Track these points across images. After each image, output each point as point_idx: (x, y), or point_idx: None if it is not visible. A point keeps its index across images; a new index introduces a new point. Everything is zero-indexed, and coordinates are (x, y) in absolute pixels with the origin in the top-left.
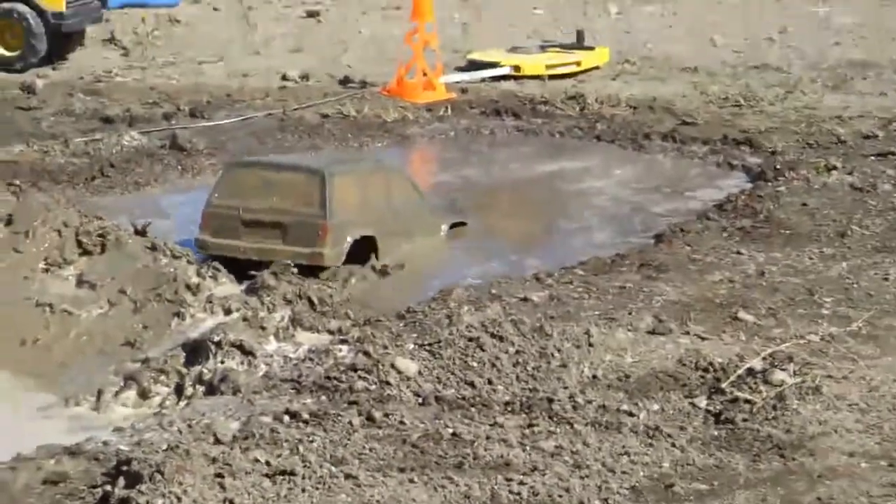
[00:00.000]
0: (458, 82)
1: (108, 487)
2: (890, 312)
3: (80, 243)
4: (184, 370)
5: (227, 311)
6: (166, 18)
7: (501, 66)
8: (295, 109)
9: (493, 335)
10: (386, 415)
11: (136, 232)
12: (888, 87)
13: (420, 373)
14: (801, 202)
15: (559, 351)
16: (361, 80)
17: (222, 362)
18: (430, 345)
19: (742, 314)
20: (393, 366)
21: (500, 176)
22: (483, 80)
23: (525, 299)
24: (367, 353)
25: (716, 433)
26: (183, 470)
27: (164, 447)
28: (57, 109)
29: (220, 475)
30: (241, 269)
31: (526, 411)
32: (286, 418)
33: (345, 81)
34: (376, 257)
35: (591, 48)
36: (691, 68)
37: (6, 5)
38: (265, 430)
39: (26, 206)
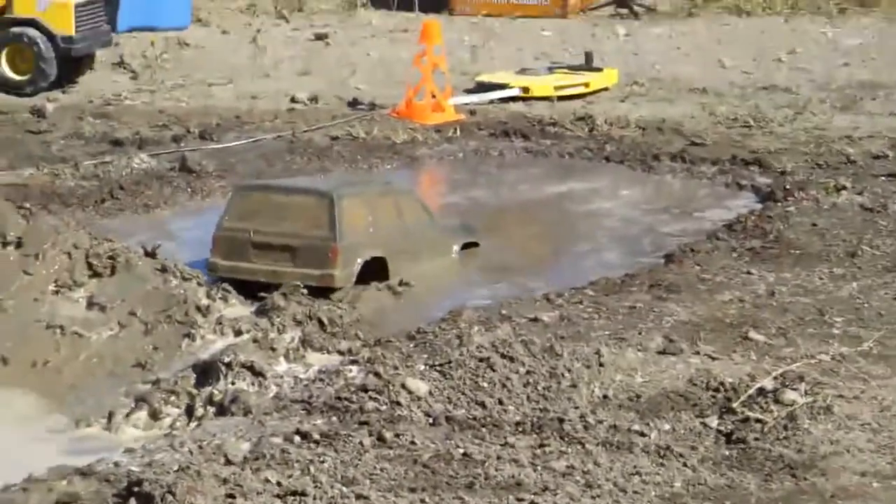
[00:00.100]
0: (466, 104)
1: None
2: None
3: (90, 265)
4: (194, 391)
5: (238, 333)
6: (175, 41)
7: (510, 88)
8: (304, 131)
9: (503, 355)
10: (397, 435)
11: (146, 254)
12: None
13: (431, 393)
14: (810, 222)
15: (569, 371)
16: (370, 102)
17: (233, 383)
18: (440, 365)
19: (752, 334)
20: (403, 386)
21: (510, 197)
22: (492, 101)
23: (535, 319)
24: (377, 374)
25: (727, 453)
26: (194, 491)
27: (176, 468)
28: (67, 133)
29: (231, 496)
30: (251, 290)
31: (537, 431)
32: (297, 439)
33: (354, 103)
34: (387, 278)
35: (600, 70)
36: (700, 89)
37: (16, 30)
38: (276, 450)
39: (37, 229)
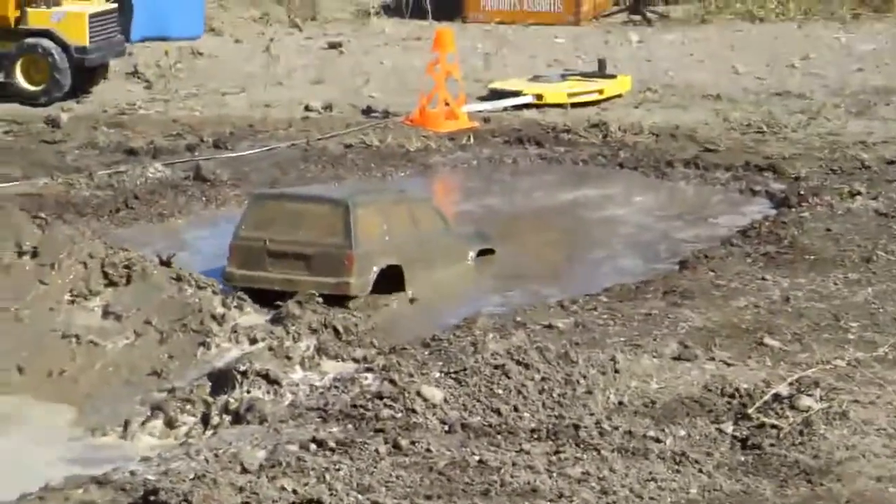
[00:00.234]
0: (480, 111)
1: None
2: None
3: (105, 275)
4: (210, 400)
5: (253, 341)
6: (189, 51)
7: (524, 95)
8: (318, 140)
9: (518, 362)
10: (412, 442)
11: (161, 263)
12: None
13: (446, 400)
14: (825, 228)
15: (585, 378)
16: (384, 110)
17: (248, 391)
18: (455, 372)
19: (768, 340)
20: (419, 394)
21: (524, 204)
22: (505, 109)
23: (550, 326)
24: (392, 382)
25: (743, 459)
26: (210, 499)
27: (192, 476)
28: (81, 142)
29: None
30: (267, 299)
31: (552, 438)
32: (313, 447)
33: (367, 112)
34: (402, 286)
35: (613, 76)
36: (713, 96)
37: (31, 40)
38: (292, 458)
39: (52, 239)
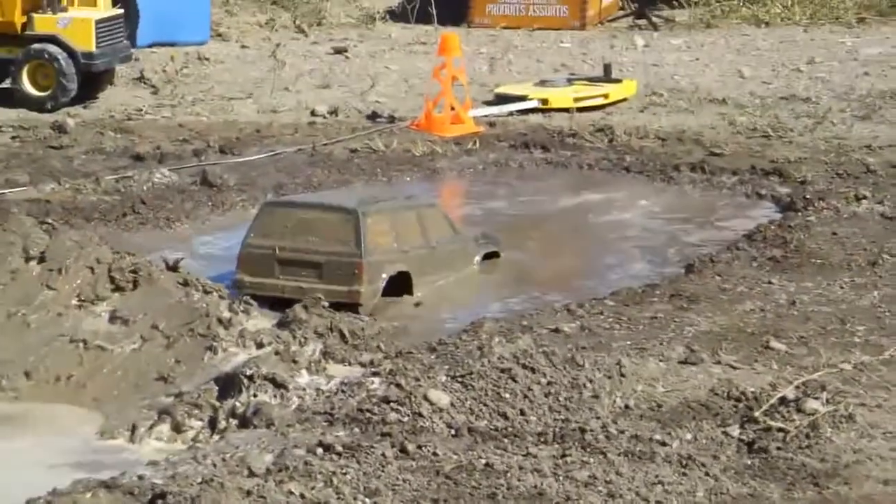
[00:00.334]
0: (486, 116)
1: None
2: None
3: (112, 279)
4: (217, 404)
5: (260, 345)
6: (195, 56)
7: (529, 100)
8: (324, 144)
9: (524, 366)
10: (419, 446)
11: (168, 268)
12: None
13: (452, 404)
14: (831, 232)
15: (591, 381)
16: (390, 114)
17: (255, 396)
18: (462, 376)
19: (774, 343)
20: (425, 397)
21: (530, 208)
22: (511, 113)
23: (556, 330)
24: (399, 386)
25: (749, 462)
26: (217, 503)
27: (199, 480)
28: (88, 148)
29: None
30: (277, 306)
31: (559, 441)
32: (319, 451)
33: (373, 116)
34: (410, 292)
35: (619, 81)
36: (719, 100)
37: (37, 46)
38: (299, 462)
39: (59, 244)
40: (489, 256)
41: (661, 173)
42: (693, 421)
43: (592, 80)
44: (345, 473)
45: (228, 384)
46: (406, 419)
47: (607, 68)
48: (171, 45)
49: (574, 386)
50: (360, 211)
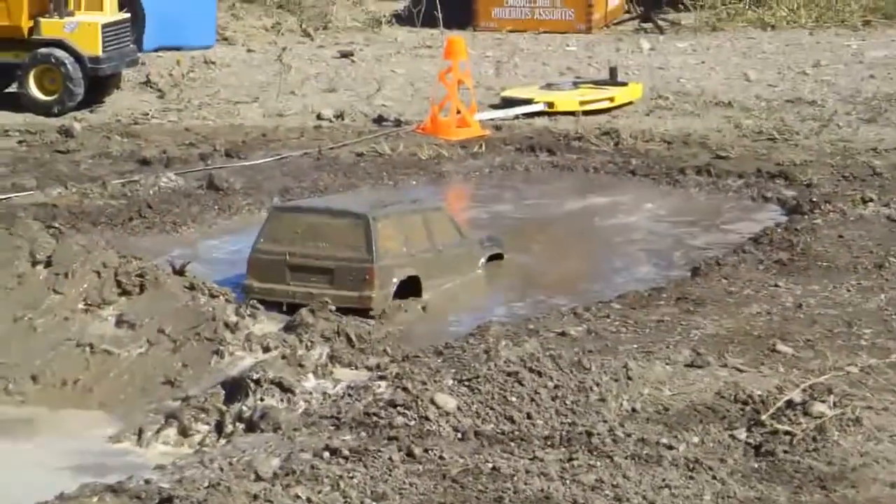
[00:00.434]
0: (491, 119)
1: None
2: None
3: (119, 284)
4: (224, 408)
5: (266, 349)
6: (201, 60)
7: (535, 103)
8: (330, 148)
9: (531, 370)
10: (426, 450)
11: (175, 272)
12: None
13: (459, 408)
14: (837, 235)
15: (598, 385)
16: (396, 118)
17: (262, 400)
18: (468, 380)
19: (780, 346)
20: (432, 401)
21: (536, 212)
22: (517, 116)
23: (563, 334)
24: (405, 389)
25: (756, 465)
26: None
27: (206, 484)
28: (94, 152)
29: None
30: (284, 310)
31: (565, 445)
32: (326, 454)
33: (379, 120)
34: (419, 295)
35: (625, 84)
36: (725, 103)
37: (44, 50)
38: (306, 466)
39: (66, 248)
40: (493, 258)
41: (666, 176)
42: (700, 424)
43: (598, 83)
44: (352, 477)
45: (235, 388)
46: (413, 423)
47: (613, 72)
48: (177, 49)
49: (581, 389)
50: (370, 216)
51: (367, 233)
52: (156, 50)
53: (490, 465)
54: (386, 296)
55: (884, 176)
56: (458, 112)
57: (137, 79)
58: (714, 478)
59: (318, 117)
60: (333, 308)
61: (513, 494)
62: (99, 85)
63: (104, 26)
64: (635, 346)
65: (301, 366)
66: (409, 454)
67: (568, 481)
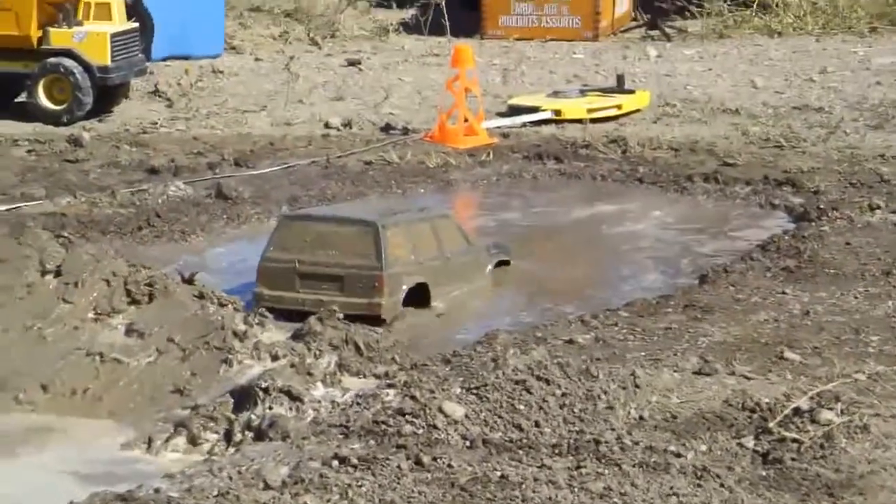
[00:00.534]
0: (499, 127)
1: None
2: None
3: (128, 292)
4: (233, 416)
5: (275, 358)
6: (209, 69)
7: (542, 111)
8: (338, 157)
9: (539, 378)
10: (434, 458)
11: (184, 280)
12: None
13: (467, 416)
14: (844, 241)
15: (605, 393)
16: (404, 126)
17: (270, 408)
18: (476, 388)
19: (788, 354)
20: (440, 409)
21: (544, 219)
22: (524, 124)
23: (570, 342)
24: (414, 398)
25: (764, 473)
26: None
27: (215, 493)
28: (103, 161)
29: None
30: (295, 318)
31: (573, 453)
32: (335, 463)
33: (387, 128)
34: (427, 303)
35: (632, 91)
36: (732, 110)
37: (53, 60)
38: (314, 475)
39: (75, 257)
40: (500, 265)
41: (674, 184)
42: (708, 432)
43: (605, 90)
44: (360, 486)
45: (244, 397)
46: (421, 431)
47: (620, 79)
48: (186, 58)
49: (589, 397)
50: (379, 224)
51: (377, 240)
52: (164, 59)
53: (498, 474)
54: (395, 303)
55: (891, 183)
56: (466, 120)
57: (146, 88)
58: (722, 486)
59: (326, 126)
60: (342, 316)
61: (521, 502)
62: (108, 94)
63: (113, 36)
64: (643, 353)
65: (310, 374)
66: (418, 462)
67: (576, 489)
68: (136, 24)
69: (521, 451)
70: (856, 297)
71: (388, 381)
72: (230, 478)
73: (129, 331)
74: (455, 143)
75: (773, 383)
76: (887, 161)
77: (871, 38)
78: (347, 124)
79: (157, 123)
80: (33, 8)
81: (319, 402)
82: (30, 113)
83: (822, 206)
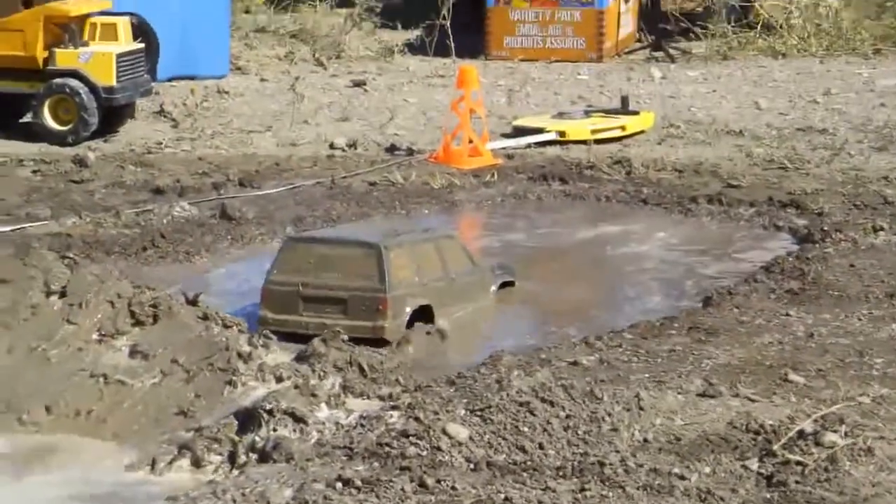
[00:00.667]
0: (504, 148)
1: None
2: None
3: (132, 314)
4: (237, 438)
5: (279, 379)
6: (215, 89)
7: (547, 132)
8: (343, 178)
9: (543, 400)
10: (438, 480)
11: (188, 302)
12: None
13: (471, 438)
14: (848, 264)
15: (610, 415)
16: (408, 147)
17: (275, 430)
18: (480, 410)
19: (792, 376)
20: (444, 431)
21: (548, 240)
22: (529, 145)
23: (575, 363)
24: (417, 419)
25: (768, 496)
26: None
27: None
28: (108, 182)
29: None
30: (299, 340)
31: (577, 475)
32: (339, 485)
33: (392, 149)
34: (427, 319)
35: (636, 113)
36: (736, 132)
37: (59, 81)
38: (318, 497)
39: (80, 278)
40: (504, 286)
41: (678, 205)
42: (712, 454)
43: (610, 112)
44: None
45: (248, 418)
46: (425, 453)
47: (625, 100)
48: (191, 78)
49: (593, 419)
50: (382, 246)
51: (380, 263)
52: (170, 79)
53: (502, 496)
54: (399, 325)
55: (895, 205)
56: (471, 141)
57: (151, 108)
58: None
59: (331, 146)
60: (346, 338)
61: None
62: (113, 114)
63: (118, 56)
64: (647, 375)
65: (314, 396)
66: (422, 484)
67: None
68: (142, 45)
69: (524, 474)
70: (859, 320)
71: (392, 403)
72: (234, 500)
73: (134, 352)
74: (460, 163)
75: (777, 406)
76: (891, 183)
77: (875, 60)
78: (352, 145)
79: (162, 144)
80: (40, 29)
81: (323, 423)
82: (35, 133)
83: (825, 228)
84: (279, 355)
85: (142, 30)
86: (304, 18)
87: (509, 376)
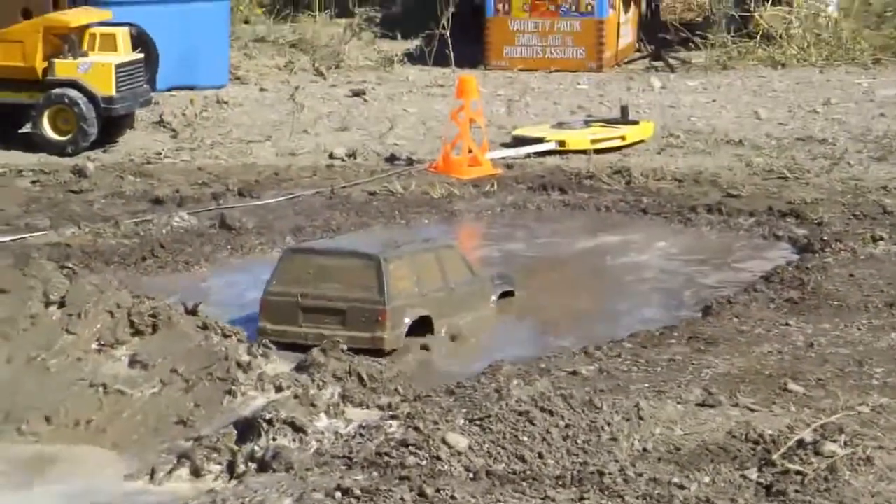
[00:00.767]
0: (503, 158)
1: None
2: None
3: (132, 324)
4: (236, 448)
5: (278, 389)
6: (214, 99)
7: (547, 142)
8: (343, 187)
9: (542, 409)
10: (437, 490)
11: (187, 311)
12: None
13: (471, 447)
14: (848, 273)
15: (609, 424)
16: (408, 157)
17: (274, 439)
18: (480, 419)
19: (791, 385)
20: (443, 441)
21: (548, 250)
22: (528, 155)
23: (574, 373)
24: (417, 429)
25: None
26: None
27: None
28: (108, 192)
29: None
30: (298, 350)
31: (577, 485)
32: (338, 495)
33: (391, 159)
34: (431, 334)
35: (636, 122)
36: (736, 141)
37: (58, 91)
38: None
39: (79, 288)
40: (504, 296)
41: (678, 215)
42: (711, 464)
43: (609, 121)
44: None
45: (247, 428)
46: (424, 462)
47: (624, 110)
48: (191, 88)
49: (592, 429)
50: (382, 258)
51: (379, 274)
52: (169, 89)
53: None
54: (399, 336)
55: (894, 214)
56: (470, 151)
57: (151, 118)
58: None
59: (331, 156)
60: (345, 347)
61: None
62: (112, 125)
63: (118, 66)
64: (647, 385)
65: (313, 405)
66: (421, 494)
67: None
68: (142, 55)
69: (524, 483)
70: (859, 329)
71: (391, 413)
72: None
73: (133, 362)
74: (459, 173)
75: (776, 415)
76: (890, 193)
77: (875, 70)
78: (352, 154)
79: (161, 154)
80: (39, 39)
81: (323, 433)
82: (35, 143)
83: (825, 238)
84: (279, 365)
85: (141, 40)
86: (304, 28)
87: (509, 386)
